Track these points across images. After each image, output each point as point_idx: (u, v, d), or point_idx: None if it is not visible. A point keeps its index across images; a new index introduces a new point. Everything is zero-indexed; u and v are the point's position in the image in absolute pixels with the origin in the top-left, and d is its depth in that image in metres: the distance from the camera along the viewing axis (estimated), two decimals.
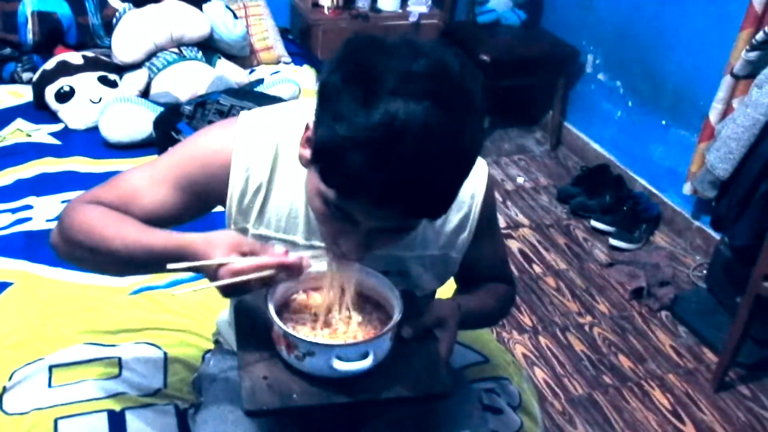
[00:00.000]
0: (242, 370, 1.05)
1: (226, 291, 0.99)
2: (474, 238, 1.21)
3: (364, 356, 1.02)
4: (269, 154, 1.12)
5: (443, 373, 1.08)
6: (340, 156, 0.87)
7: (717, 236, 2.84)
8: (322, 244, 1.13)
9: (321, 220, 1.01)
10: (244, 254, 0.98)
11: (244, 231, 1.15)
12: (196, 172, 1.13)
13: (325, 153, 0.90)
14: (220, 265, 0.97)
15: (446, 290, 1.32)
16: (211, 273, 0.99)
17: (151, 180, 1.14)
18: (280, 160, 1.12)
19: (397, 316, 1.04)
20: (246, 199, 1.13)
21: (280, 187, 1.13)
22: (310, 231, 1.14)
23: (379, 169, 0.84)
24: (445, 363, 1.11)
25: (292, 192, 1.13)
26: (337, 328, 1.08)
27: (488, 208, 1.21)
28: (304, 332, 1.06)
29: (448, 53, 0.90)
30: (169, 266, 0.99)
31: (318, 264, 1.07)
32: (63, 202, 2.18)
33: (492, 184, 1.22)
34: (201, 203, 1.16)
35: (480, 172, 1.19)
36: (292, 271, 0.99)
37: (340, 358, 1.00)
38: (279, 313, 1.06)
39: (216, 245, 0.99)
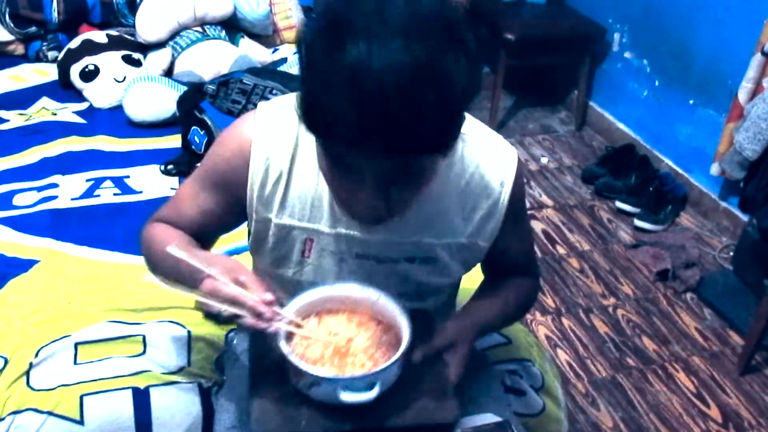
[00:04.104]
0: (253, 392, 1.06)
1: (199, 304, 1.00)
2: (502, 226, 1.19)
3: (371, 387, 1.02)
4: (289, 143, 1.11)
5: (450, 401, 1.09)
6: (316, 102, 0.87)
7: (744, 218, 2.81)
8: (348, 232, 1.13)
9: (334, 186, 1.01)
10: (237, 281, 0.99)
11: (266, 221, 1.15)
12: (220, 167, 1.15)
13: (303, 102, 0.90)
14: (210, 277, 1.00)
15: (472, 276, 1.31)
16: (198, 281, 1.02)
17: (189, 187, 1.21)
18: (300, 148, 1.11)
19: (404, 345, 1.03)
20: (267, 188, 1.12)
21: (301, 175, 1.12)
22: (335, 219, 1.13)
23: (352, 109, 0.83)
24: (453, 389, 1.11)
25: (314, 180, 1.11)
26: (347, 352, 1.07)
27: (517, 196, 1.19)
28: (314, 356, 1.05)
29: None
30: (169, 249, 1.05)
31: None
32: (87, 180, 2.19)
33: (522, 172, 1.20)
34: (230, 198, 1.16)
35: (509, 159, 1.17)
36: (261, 318, 0.98)
37: (346, 389, 1.01)
38: (290, 339, 1.06)
39: (219, 262, 1.03)
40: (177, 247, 1.05)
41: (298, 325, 1.07)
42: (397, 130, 0.84)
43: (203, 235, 1.23)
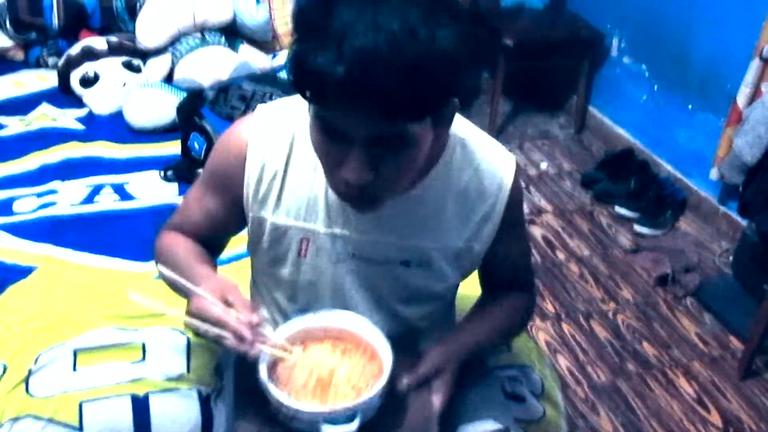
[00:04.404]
0: (238, 413, 1.07)
1: (186, 323, 1.03)
2: (499, 233, 1.19)
3: (352, 418, 1.02)
4: (285, 142, 1.12)
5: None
6: (303, 61, 0.88)
7: (744, 222, 2.81)
8: (344, 232, 1.14)
9: (321, 153, 0.99)
10: (226, 301, 1.01)
11: (262, 220, 1.15)
12: (219, 168, 1.18)
13: (293, 63, 0.91)
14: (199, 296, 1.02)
15: (471, 282, 1.32)
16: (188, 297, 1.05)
17: (194, 192, 1.24)
18: (296, 147, 1.12)
19: (385, 377, 1.03)
20: (263, 187, 1.13)
21: (296, 174, 1.13)
22: (331, 219, 1.14)
23: (336, 69, 0.85)
24: (437, 418, 1.11)
25: (309, 179, 1.12)
26: (330, 381, 1.07)
27: (515, 202, 1.19)
28: (297, 384, 1.05)
29: None
30: (159, 267, 1.10)
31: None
32: (87, 186, 2.20)
33: (520, 180, 1.21)
34: (231, 200, 1.17)
35: (508, 165, 1.18)
36: (243, 341, 0.99)
37: (327, 422, 1.01)
38: (274, 365, 1.06)
39: (210, 281, 1.05)
40: (170, 257, 1.06)
41: (285, 349, 1.07)
42: (380, 91, 0.85)
43: (210, 241, 1.25)
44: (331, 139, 0.95)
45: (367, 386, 1.06)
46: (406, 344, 1.25)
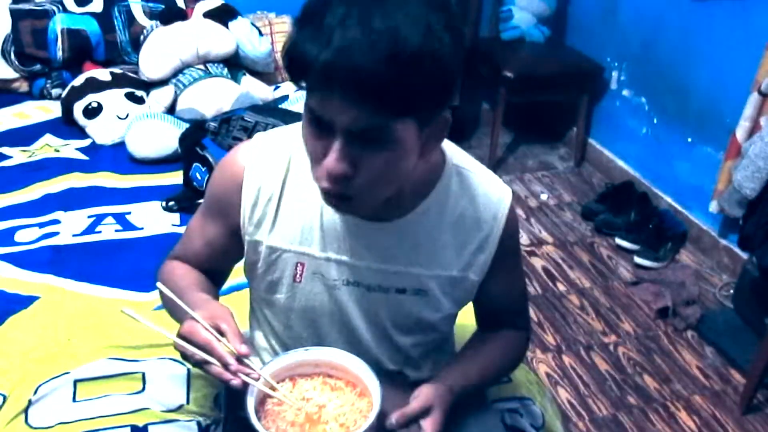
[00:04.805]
0: None
1: (175, 344, 1.05)
2: (494, 263, 1.20)
3: None
4: (281, 167, 1.15)
5: None
6: (293, 48, 0.92)
7: (744, 255, 2.81)
8: (339, 257, 1.15)
9: (308, 145, 1.01)
10: (217, 328, 1.02)
11: (257, 243, 1.17)
12: (216, 195, 1.20)
13: (284, 49, 0.95)
14: (193, 319, 1.03)
15: (468, 311, 1.32)
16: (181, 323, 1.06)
17: (195, 220, 1.26)
18: (292, 172, 1.14)
19: (372, 417, 1.03)
20: (258, 210, 1.15)
21: (292, 198, 1.15)
22: (326, 243, 1.15)
23: (323, 58, 0.88)
24: None
25: (305, 203, 1.14)
26: (318, 419, 1.06)
27: (510, 232, 1.20)
28: (285, 421, 1.05)
29: None
30: (158, 285, 1.11)
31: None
32: (89, 216, 2.20)
33: (515, 212, 1.22)
34: (229, 226, 1.19)
35: (504, 197, 1.19)
36: (228, 370, 1.01)
37: None
38: (263, 400, 1.07)
39: (207, 307, 1.06)
40: (170, 284, 1.07)
41: (273, 388, 1.07)
42: (359, 80, 0.88)
43: (212, 269, 1.27)
44: (316, 131, 0.97)
45: (355, 424, 1.05)
46: (399, 379, 1.25)
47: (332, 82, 0.89)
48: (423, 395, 1.13)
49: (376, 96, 0.89)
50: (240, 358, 1.01)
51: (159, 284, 1.11)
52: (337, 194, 1.01)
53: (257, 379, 1.04)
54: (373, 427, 1.03)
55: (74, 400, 1.48)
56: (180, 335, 1.04)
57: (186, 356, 1.04)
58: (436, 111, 0.98)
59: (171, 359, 1.60)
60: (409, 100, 0.92)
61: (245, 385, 1.02)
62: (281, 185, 1.14)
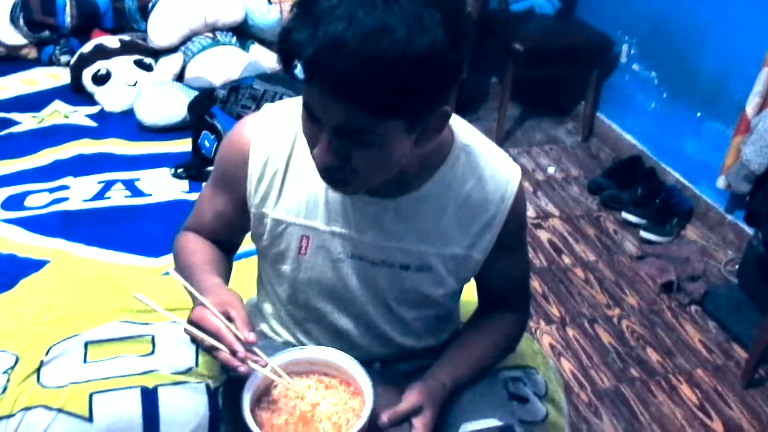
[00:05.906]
0: None
1: (185, 329, 1.07)
2: (498, 243, 1.20)
3: None
4: (288, 140, 1.15)
5: None
6: (284, 36, 0.91)
7: (750, 231, 2.81)
8: (343, 231, 1.16)
9: (304, 131, 1.02)
10: (227, 315, 1.04)
11: (263, 216, 1.18)
12: (224, 167, 1.21)
13: (281, 38, 0.93)
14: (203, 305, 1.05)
15: (474, 287, 1.33)
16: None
17: (205, 192, 1.27)
18: (298, 145, 1.15)
19: (364, 418, 1.04)
20: (264, 183, 1.16)
21: (297, 173, 1.15)
22: (331, 217, 1.16)
23: (307, 48, 0.87)
24: None
25: (310, 176, 1.14)
26: (312, 418, 1.07)
27: (517, 213, 1.19)
28: (279, 422, 1.06)
29: None
30: (171, 272, 1.16)
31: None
32: (99, 182, 2.22)
33: (523, 193, 1.21)
34: (237, 197, 1.20)
35: (512, 177, 1.18)
36: (235, 357, 1.01)
37: None
38: (259, 399, 1.08)
39: (217, 293, 1.08)
40: (182, 258, 1.08)
41: (276, 374, 1.08)
42: (341, 80, 0.87)
43: (223, 239, 1.28)
44: (309, 119, 0.98)
45: (348, 423, 1.06)
46: (392, 375, 1.26)
47: (314, 79, 0.89)
48: (414, 394, 1.14)
49: (356, 98, 0.87)
50: (248, 346, 1.02)
51: (172, 271, 1.13)
52: (332, 179, 1.03)
53: (265, 366, 1.06)
54: (365, 427, 1.04)
55: (85, 361, 1.50)
56: (190, 321, 1.06)
57: (195, 341, 1.06)
58: (429, 110, 0.95)
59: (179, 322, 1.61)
60: (395, 103, 0.89)
61: (251, 372, 1.04)
62: (287, 159, 1.15)
